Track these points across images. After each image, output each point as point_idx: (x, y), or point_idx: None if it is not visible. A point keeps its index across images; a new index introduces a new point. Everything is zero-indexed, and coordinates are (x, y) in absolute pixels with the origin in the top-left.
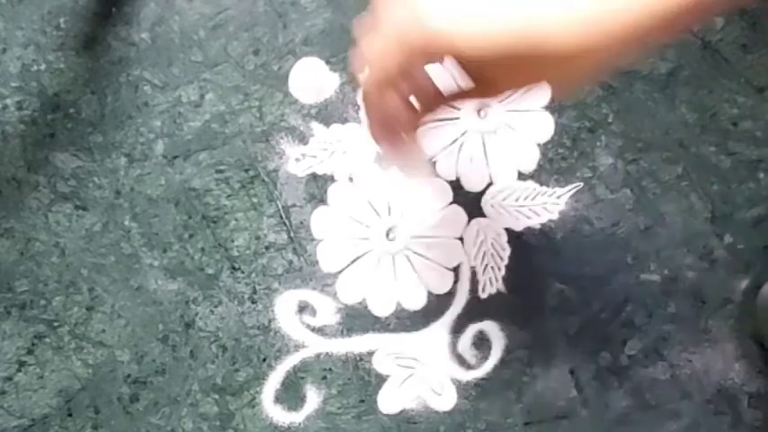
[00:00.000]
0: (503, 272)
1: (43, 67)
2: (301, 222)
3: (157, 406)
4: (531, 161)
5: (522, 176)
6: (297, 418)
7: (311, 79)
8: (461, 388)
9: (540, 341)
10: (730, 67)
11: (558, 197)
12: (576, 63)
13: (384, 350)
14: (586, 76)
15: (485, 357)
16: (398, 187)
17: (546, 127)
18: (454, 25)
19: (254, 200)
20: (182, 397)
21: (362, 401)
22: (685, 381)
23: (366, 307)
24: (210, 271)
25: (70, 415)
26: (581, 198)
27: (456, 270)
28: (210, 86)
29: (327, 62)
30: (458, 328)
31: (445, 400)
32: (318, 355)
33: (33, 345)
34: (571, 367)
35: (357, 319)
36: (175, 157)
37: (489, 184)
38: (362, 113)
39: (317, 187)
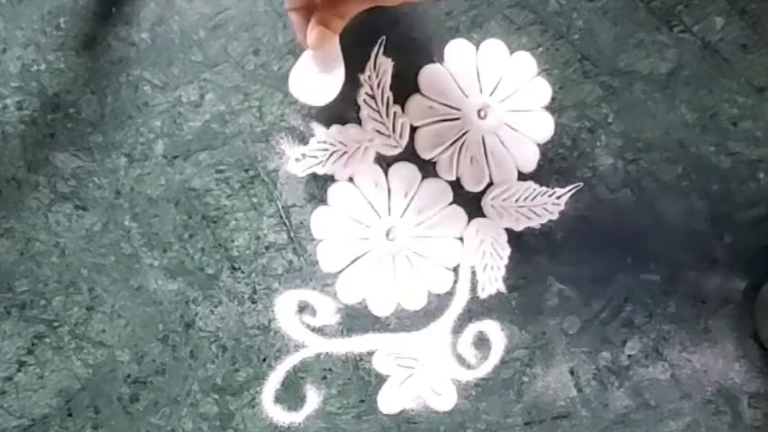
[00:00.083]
0: (503, 272)
1: (43, 67)
2: (301, 222)
3: (157, 406)
4: (531, 161)
5: (522, 176)
6: (297, 418)
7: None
8: (461, 388)
9: (540, 341)
10: (730, 67)
11: (558, 197)
12: None
13: (384, 350)
14: None
15: (485, 357)
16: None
17: (546, 127)
18: None
19: (254, 200)
20: (182, 397)
21: (362, 401)
22: (685, 381)
23: (366, 307)
24: (210, 271)
25: (70, 415)
26: (581, 198)
27: (456, 270)
28: (210, 86)
29: None
30: (458, 328)
31: (445, 400)
32: (318, 355)
33: (33, 345)
34: (571, 367)
35: (357, 319)
36: (175, 157)
37: (489, 184)
38: (363, 113)
39: (317, 187)
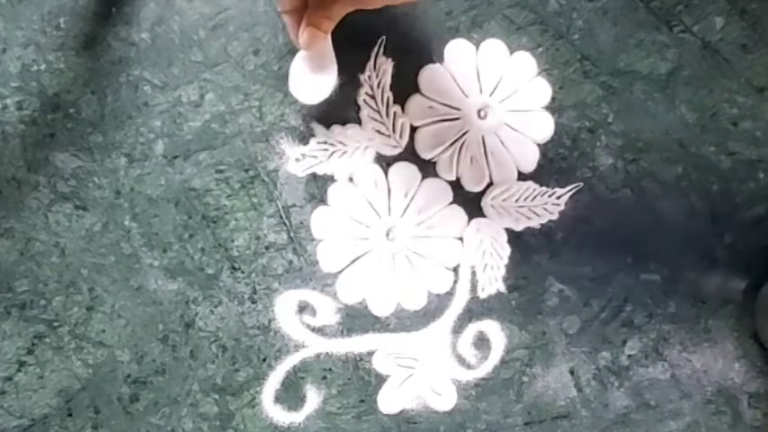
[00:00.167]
0: (503, 272)
1: (43, 67)
2: (301, 222)
3: (157, 406)
4: (531, 161)
5: (522, 176)
6: (297, 418)
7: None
8: (461, 388)
9: (540, 341)
10: (730, 67)
11: (558, 197)
12: None
13: (384, 350)
14: None
15: (485, 357)
16: (395, 187)
17: (546, 127)
18: None
19: (254, 200)
20: (182, 397)
21: (362, 401)
22: (685, 380)
23: (366, 307)
24: (210, 271)
25: (70, 415)
26: (581, 198)
27: (456, 270)
28: (210, 86)
29: None
30: (458, 328)
31: (445, 400)
32: (318, 355)
33: (33, 345)
34: (571, 367)
35: (357, 319)
36: (175, 157)
37: (489, 184)
38: (363, 113)
39: (317, 187)
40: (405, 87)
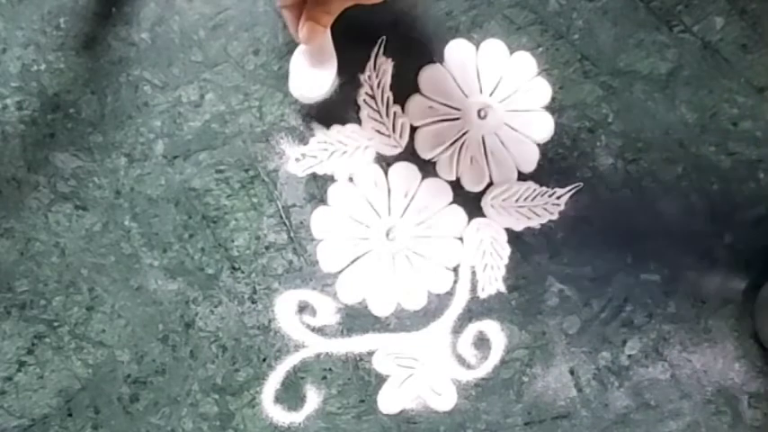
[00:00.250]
0: (503, 272)
1: (43, 67)
2: (301, 222)
3: (157, 406)
4: (531, 161)
5: (522, 176)
6: (297, 418)
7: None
8: (461, 388)
9: (540, 341)
10: (730, 67)
11: (558, 197)
12: None
13: (384, 350)
14: None
15: (485, 357)
16: (395, 186)
17: (546, 127)
18: None
19: (254, 200)
20: (182, 397)
21: (362, 401)
22: (685, 381)
23: (366, 307)
24: (210, 271)
25: (70, 415)
26: (581, 198)
27: (456, 270)
28: (210, 86)
29: None
30: (458, 328)
31: (445, 400)
32: (318, 355)
33: (33, 345)
34: (571, 367)
35: (357, 319)
36: (175, 157)
37: (489, 184)
38: (363, 113)
39: (317, 187)
40: (405, 87)
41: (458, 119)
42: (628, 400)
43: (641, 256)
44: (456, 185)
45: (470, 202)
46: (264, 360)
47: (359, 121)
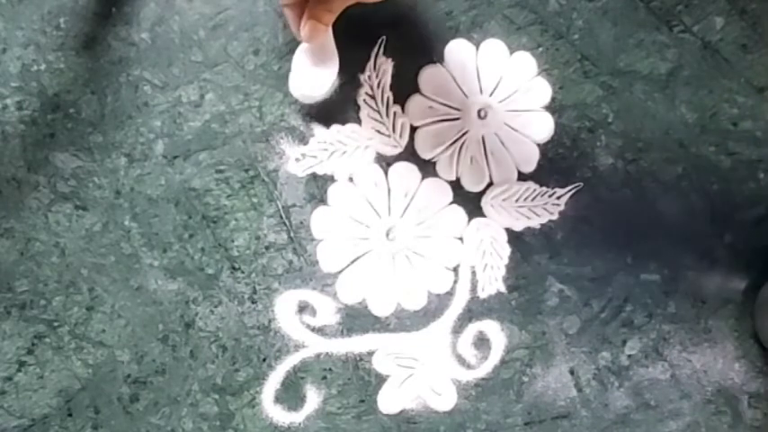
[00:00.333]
0: (503, 272)
1: (43, 67)
2: (301, 222)
3: (157, 406)
4: (531, 161)
5: (522, 176)
6: (297, 418)
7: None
8: (461, 388)
9: (540, 341)
10: (730, 67)
11: (558, 197)
12: None
13: (384, 350)
14: None
15: (485, 357)
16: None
17: (546, 127)
18: None
19: (254, 200)
20: (182, 397)
21: (362, 401)
22: (685, 381)
23: (366, 307)
24: (210, 271)
25: (70, 415)
26: (581, 198)
27: (456, 270)
28: (210, 86)
29: None
30: (458, 328)
31: (445, 400)
32: (318, 355)
33: (33, 345)
34: (571, 367)
35: (357, 319)
36: (175, 157)
37: (489, 184)
38: (363, 113)
39: (317, 187)
40: (405, 87)
41: (458, 119)
42: (628, 400)
43: (641, 256)
44: (456, 185)
45: (470, 202)
46: (264, 360)
47: (359, 121)
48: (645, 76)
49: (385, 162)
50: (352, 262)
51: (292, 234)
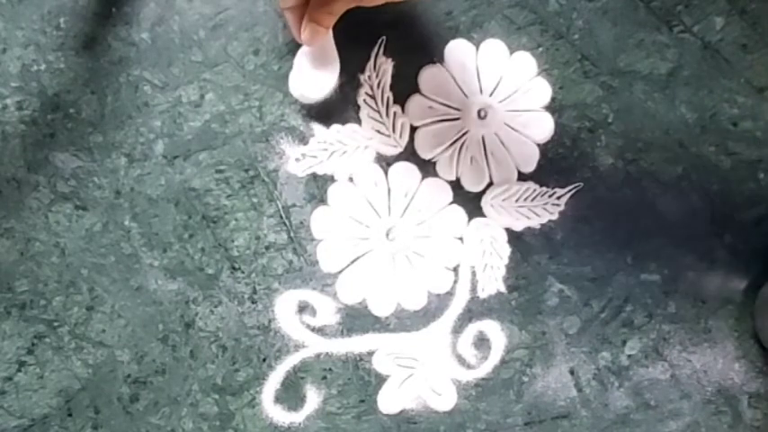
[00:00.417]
0: (503, 272)
1: (43, 67)
2: (301, 222)
3: (157, 406)
4: (531, 161)
5: (522, 176)
6: (297, 418)
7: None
8: (461, 388)
9: (540, 341)
10: (730, 67)
11: (558, 197)
12: None
13: (384, 350)
14: None
15: (485, 357)
16: (396, 186)
17: (546, 127)
18: None
19: (254, 200)
20: (182, 397)
21: (362, 401)
22: (685, 381)
23: (366, 307)
24: (210, 271)
25: (70, 415)
26: (581, 198)
27: (456, 270)
28: (210, 86)
29: None
30: (458, 328)
31: (445, 400)
32: (318, 355)
33: (33, 345)
34: (571, 367)
35: (357, 319)
36: (175, 157)
37: (489, 184)
38: (363, 113)
39: (317, 187)
40: (405, 87)
41: (458, 119)
42: (628, 400)
43: (641, 256)
44: (456, 185)
45: (470, 202)
46: (264, 360)
47: (359, 121)
48: (645, 76)
49: (385, 162)
50: (352, 262)
51: (292, 234)
